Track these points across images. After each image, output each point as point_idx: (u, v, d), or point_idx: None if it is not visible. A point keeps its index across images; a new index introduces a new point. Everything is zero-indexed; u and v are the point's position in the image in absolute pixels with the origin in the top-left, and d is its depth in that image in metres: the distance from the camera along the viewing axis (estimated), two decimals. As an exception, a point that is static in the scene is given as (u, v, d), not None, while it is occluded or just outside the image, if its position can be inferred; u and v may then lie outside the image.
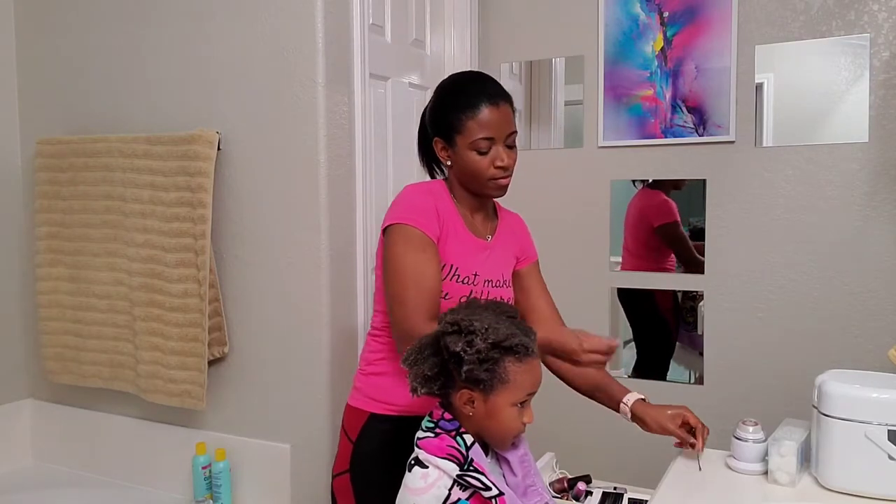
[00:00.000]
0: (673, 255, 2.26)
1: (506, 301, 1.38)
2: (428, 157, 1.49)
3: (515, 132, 1.38)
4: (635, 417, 1.47)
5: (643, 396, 1.49)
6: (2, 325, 2.28)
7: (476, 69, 2.41)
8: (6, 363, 2.28)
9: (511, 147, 1.37)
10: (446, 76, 1.45)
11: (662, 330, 2.33)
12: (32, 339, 2.28)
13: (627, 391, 1.50)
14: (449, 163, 1.38)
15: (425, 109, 1.45)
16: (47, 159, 2.14)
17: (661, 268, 2.27)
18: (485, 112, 1.32)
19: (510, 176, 1.38)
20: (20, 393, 2.32)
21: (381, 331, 1.42)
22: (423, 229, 1.30)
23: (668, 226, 2.25)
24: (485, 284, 1.40)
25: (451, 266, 1.35)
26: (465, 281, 1.36)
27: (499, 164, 1.34)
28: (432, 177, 1.50)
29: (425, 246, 1.29)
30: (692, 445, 1.44)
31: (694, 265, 2.21)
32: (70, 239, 2.12)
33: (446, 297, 1.33)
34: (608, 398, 1.51)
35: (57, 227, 2.14)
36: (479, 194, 1.41)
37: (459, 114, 1.33)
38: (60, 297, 2.14)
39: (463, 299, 1.28)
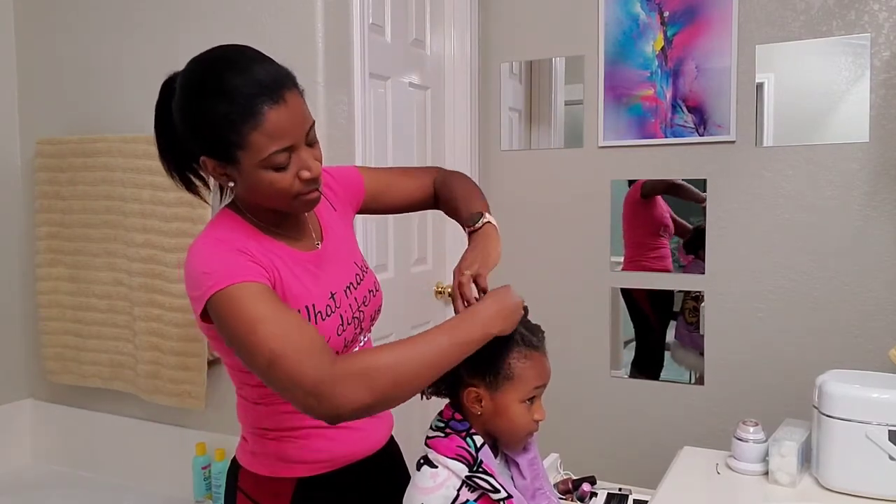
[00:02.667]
0: (667, 241, 2.26)
1: (373, 292, 1.21)
2: (182, 168, 1.11)
3: (314, 122, 1.03)
4: None
5: (480, 225, 1.17)
6: (2, 325, 2.28)
7: (477, 69, 2.42)
8: (6, 363, 2.28)
9: (312, 144, 1.03)
10: (199, 63, 1.02)
11: (645, 328, 2.34)
12: (32, 339, 2.28)
13: (467, 223, 1.20)
14: (231, 183, 1.04)
15: (170, 105, 1.04)
16: (47, 159, 2.14)
17: (660, 248, 2.27)
18: (271, 117, 0.96)
19: (320, 183, 1.06)
20: (20, 393, 2.32)
21: (267, 396, 1.11)
22: (250, 279, 0.97)
23: (647, 183, 2.27)
24: (347, 294, 1.14)
25: (307, 308, 1.06)
26: (329, 313, 1.09)
27: (305, 175, 1.01)
28: (190, 190, 1.13)
29: (265, 291, 0.97)
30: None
31: (696, 199, 2.21)
32: (70, 239, 2.12)
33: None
34: (461, 225, 1.23)
35: (57, 227, 2.14)
36: (284, 211, 1.09)
37: (237, 126, 0.96)
38: (60, 297, 2.14)
39: (340, 329, 1.10)
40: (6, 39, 2.25)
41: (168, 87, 1.06)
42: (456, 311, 1.06)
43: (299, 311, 1.05)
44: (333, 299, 1.11)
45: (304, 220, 1.15)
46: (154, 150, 1.98)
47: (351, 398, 0.90)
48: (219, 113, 0.96)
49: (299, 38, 1.76)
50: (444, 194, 1.31)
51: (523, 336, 1.08)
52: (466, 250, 1.14)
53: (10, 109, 2.26)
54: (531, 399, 1.09)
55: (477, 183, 2.39)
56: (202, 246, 1.03)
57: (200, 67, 1.01)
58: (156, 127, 1.09)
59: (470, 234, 1.18)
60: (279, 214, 1.09)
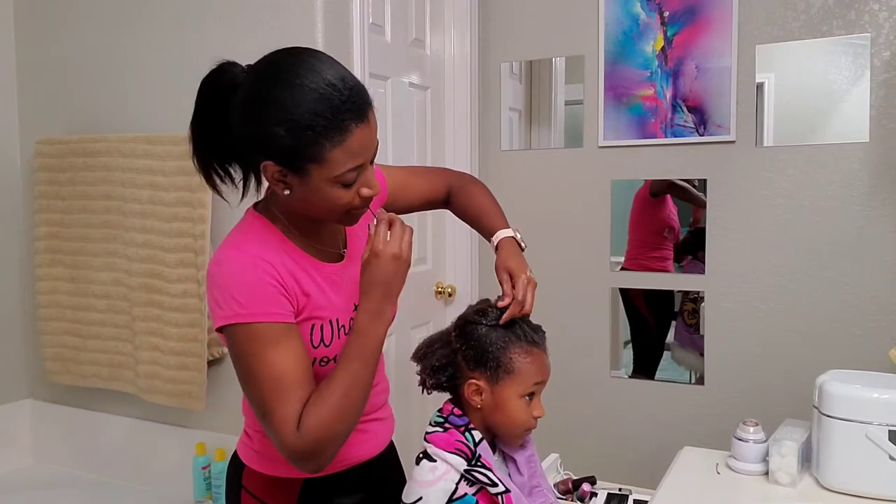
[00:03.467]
0: (671, 244, 2.26)
1: None
2: (214, 164, 1.06)
3: (378, 141, 1.03)
4: (497, 254, 1.23)
5: (513, 234, 1.24)
6: (2, 325, 2.28)
7: (477, 69, 2.42)
8: (6, 363, 2.28)
9: (373, 161, 1.03)
10: (276, 66, 0.97)
11: (646, 329, 2.34)
12: (32, 339, 2.28)
13: (499, 228, 1.25)
14: (287, 191, 1.00)
15: (220, 101, 1.00)
16: (47, 159, 2.14)
17: (662, 249, 2.27)
18: (357, 135, 0.95)
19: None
20: (20, 393, 2.32)
21: None
22: (273, 319, 0.98)
23: (655, 183, 2.26)
24: None
25: (331, 323, 1.07)
26: (352, 326, 1.07)
27: (366, 193, 1.01)
28: (213, 188, 1.08)
29: (279, 336, 0.98)
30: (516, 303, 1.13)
31: (697, 203, 2.21)
32: (70, 239, 2.12)
33: None
34: (484, 234, 1.29)
35: (56, 227, 2.14)
36: (327, 221, 1.09)
37: (320, 139, 0.93)
38: (60, 297, 2.14)
39: None
40: (6, 39, 2.25)
41: (214, 81, 1.01)
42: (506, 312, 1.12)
43: (322, 325, 1.06)
44: (356, 311, 1.10)
45: (333, 228, 1.14)
46: (154, 149, 1.99)
47: (318, 464, 0.98)
48: (302, 124, 0.92)
49: (299, 38, 1.76)
50: (465, 202, 1.33)
51: (525, 333, 1.11)
52: (510, 255, 1.19)
53: (10, 109, 2.26)
54: (530, 395, 1.10)
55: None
56: (237, 261, 1.00)
57: (279, 70, 0.95)
58: (196, 120, 1.03)
59: (501, 244, 1.23)
60: (313, 223, 1.08)
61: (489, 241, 1.26)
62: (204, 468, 1.95)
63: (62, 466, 2.27)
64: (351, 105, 0.94)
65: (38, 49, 2.23)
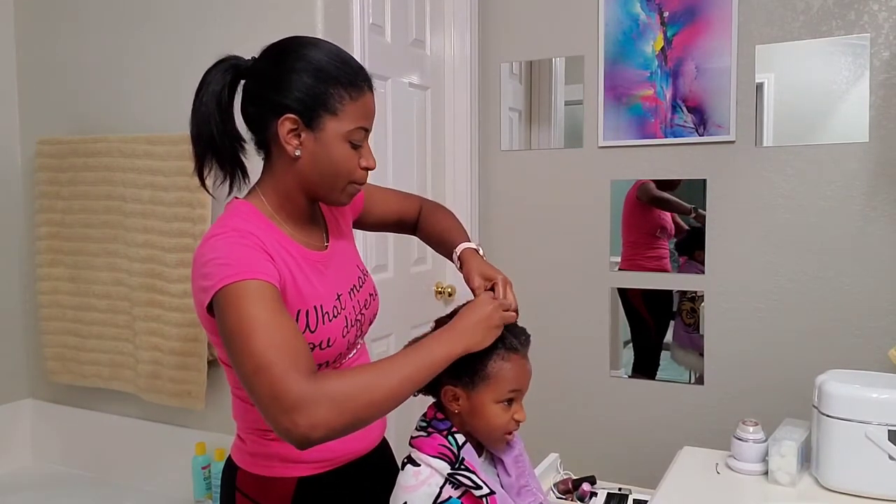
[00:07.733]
0: (666, 242, 2.26)
1: (373, 296, 1.24)
2: (232, 151, 1.09)
3: None
4: (462, 265, 1.24)
5: (475, 246, 1.26)
6: (2, 325, 2.28)
7: (477, 69, 2.42)
8: (6, 363, 2.29)
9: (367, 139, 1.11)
10: (285, 38, 1.09)
11: (644, 329, 2.35)
12: (33, 338, 2.28)
13: (461, 241, 1.28)
14: (298, 153, 1.04)
15: (252, 78, 1.07)
16: (47, 159, 2.14)
17: (657, 249, 2.28)
18: (367, 98, 1.06)
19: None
20: (20, 393, 2.32)
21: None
22: (264, 277, 0.96)
23: (643, 187, 2.27)
24: (351, 296, 1.16)
25: (315, 309, 1.07)
26: (335, 314, 1.10)
27: (364, 164, 1.08)
28: (202, 179, 1.10)
29: (272, 295, 0.96)
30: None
31: (683, 211, 2.23)
32: (70, 239, 2.12)
33: (330, 345, 1.09)
34: (446, 251, 1.31)
35: (57, 227, 2.14)
36: (323, 200, 1.12)
37: (340, 90, 1.03)
38: (60, 297, 2.14)
39: (345, 331, 1.12)
40: (7, 40, 2.25)
41: (220, 67, 1.08)
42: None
43: (308, 311, 1.06)
44: (339, 300, 1.13)
45: (318, 218, 1.17)
46: (155, 149, 2.00)
47: (324, 421, 0.89)
48: (330, 73, 1.03)
49: (299, 38, 1.77)
50: (432, 222, 1.38)
51: (504, 338, 1.09)
52: (478, 262, 1.21)
53: (10, 109, 2.27)
54: (509, 400, 1.10)
55: (476, 184, 2.43)
56: (220, 236, 1.01)
57: (299, 39, 1.07)
58: (197, 110, 1.07)
59: (464, 254, 1.25)
60: (299, 208, 1.11)
61: (451, 255, 1.27)
62: (204, 468, 1.95)
63: (62, 466, 2.27)
64: (363, 74, 1.07)
65: (38, 49, 2.23)
